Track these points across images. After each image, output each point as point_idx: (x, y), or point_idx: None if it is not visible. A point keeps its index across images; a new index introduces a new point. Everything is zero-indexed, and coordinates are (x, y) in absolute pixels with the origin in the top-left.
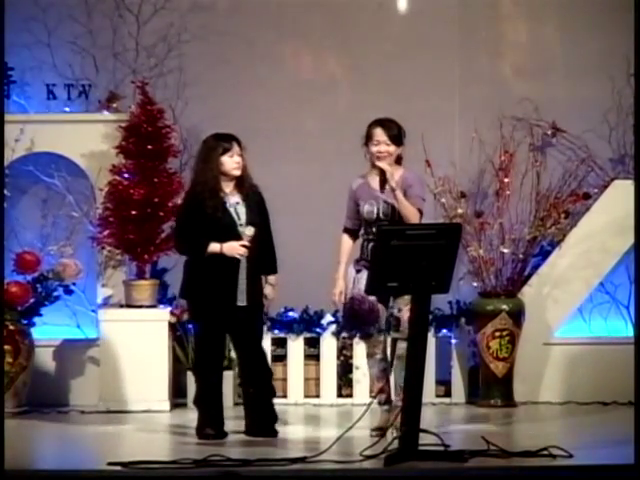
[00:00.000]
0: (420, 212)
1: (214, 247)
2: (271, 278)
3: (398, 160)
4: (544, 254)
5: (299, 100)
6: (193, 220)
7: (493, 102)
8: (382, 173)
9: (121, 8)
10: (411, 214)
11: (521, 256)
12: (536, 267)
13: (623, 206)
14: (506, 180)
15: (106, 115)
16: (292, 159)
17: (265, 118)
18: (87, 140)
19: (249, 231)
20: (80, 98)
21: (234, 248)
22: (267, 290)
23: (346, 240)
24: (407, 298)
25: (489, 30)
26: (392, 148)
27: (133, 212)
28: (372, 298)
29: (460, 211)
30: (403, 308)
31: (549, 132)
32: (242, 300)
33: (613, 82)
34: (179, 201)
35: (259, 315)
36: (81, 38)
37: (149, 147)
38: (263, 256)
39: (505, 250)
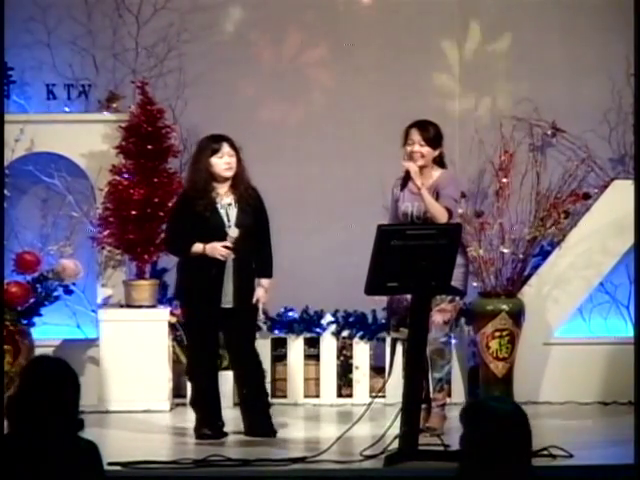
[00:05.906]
0: (449, 211)
1: (197, 247)
2: (264, 281)
3: (440, 162)
4: (544, 254)
5: (299, 100)
6: (182, 220)
7: (493, 102)
8: (407, 173)
9: (121, 8)
10: (438, 213)
11: (521, 256)
12: (536, 267)
13: (623, 206)
14: (506, 180)
15: (106, 115)
16: (292, 159)
17: (265, 118)
18: (87, 140)
19: (233, 233)
20: (80, 98)
21: (216, 249)
22: (258, 293)
23: None
24: (438, 299)
25: (489, 29)
26: (426, 149)
27: (133, 212)
28: (409, 296)
29: (460, 211)
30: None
31: (549, 132)
32: (228, 302)
33: (613, 82)
34: None
35: (249, 317)
36: (81, 38)
37: (149, 147)
38: (257, 259)
39: (505, 250)
